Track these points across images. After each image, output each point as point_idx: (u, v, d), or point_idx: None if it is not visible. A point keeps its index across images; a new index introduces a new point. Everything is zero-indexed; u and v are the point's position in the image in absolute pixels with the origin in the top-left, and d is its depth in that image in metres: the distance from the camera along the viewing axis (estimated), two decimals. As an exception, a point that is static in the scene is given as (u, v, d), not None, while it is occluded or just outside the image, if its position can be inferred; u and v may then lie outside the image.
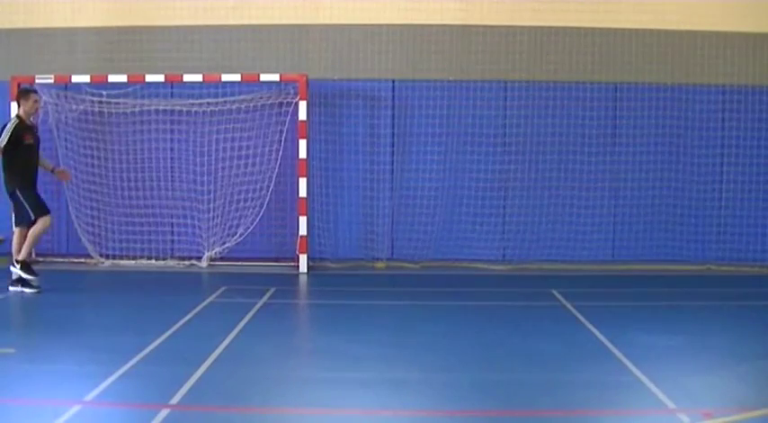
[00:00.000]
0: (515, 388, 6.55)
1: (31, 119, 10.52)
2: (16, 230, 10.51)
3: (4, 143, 10.01)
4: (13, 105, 11.85)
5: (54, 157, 12.51)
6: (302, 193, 11.85)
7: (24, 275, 10.14)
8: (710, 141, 12.43)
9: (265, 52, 12.44)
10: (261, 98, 12.20)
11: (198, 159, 12.42)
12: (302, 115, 11.78)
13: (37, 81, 12.02)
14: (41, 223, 10.16)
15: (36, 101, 10.49)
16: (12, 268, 10.30)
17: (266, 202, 12.29)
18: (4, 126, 10.21)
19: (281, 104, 12.23)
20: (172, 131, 12.50)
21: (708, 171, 12.47)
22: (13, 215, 10.74)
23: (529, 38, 12.35)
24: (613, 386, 6.57)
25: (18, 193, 10.18)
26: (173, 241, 12.58)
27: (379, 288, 11.10)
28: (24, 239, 10.25)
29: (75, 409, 5.84)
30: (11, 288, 10.21)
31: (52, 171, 10.95)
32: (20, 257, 10.19)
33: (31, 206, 10.15)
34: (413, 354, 7.56)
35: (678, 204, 12.52)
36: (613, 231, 12.62)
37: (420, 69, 12.43)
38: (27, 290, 10.14)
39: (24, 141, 10.21)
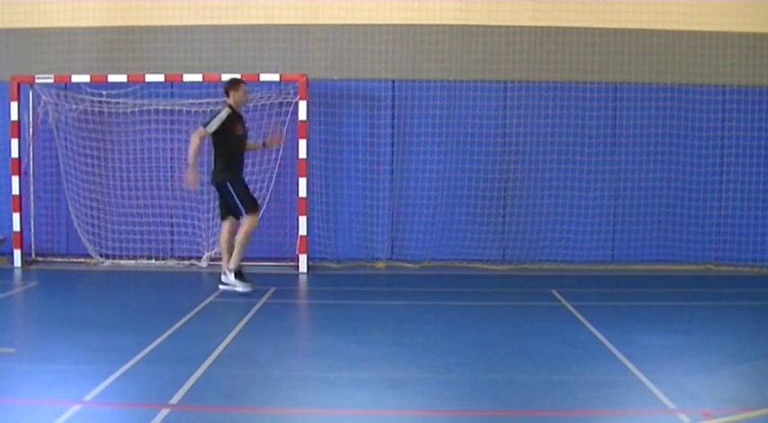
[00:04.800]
0: (515, 388, 6.56)
1: (241, 108, 10.34)
2: (224, 224, 10.25)
3: (213, 130, 9.82)
4: (13, 105, 11.93)
5: (54, 157, 12.55)
6: (302, 193, 11.85)
7: (239, 287, 9.95)
8: (710, 141, 12.44)
9: (265, 52, 12.45)
10: (261, 98, 12.20)
11: (198, 159, 12.38)
12: (302, 115, 11.78)
13: (37, 81, 12.03)
14: (249, 223, 9.94)
15: (246, 91, 10.33)
16: (223, 277, 10.12)
17: (266, 202, 12.29)
18: (216, 114, 10.04)
19: (281, 104, 12.24)
20: (172, 131, 12.50)
21: (708, 171, 12.47)
22: (218, 208, 10.50)
23: (529, 38, 12.35)
24: (613, 386, 6.57)
25: (229, 185, 9.96)
26: (172, 241, 12.58)
27: (379, 288, 11.11)
28: (233, 232, 10.04)
29: (75, 409, 5.85)
30: (220, 287, 10.08)
31: (264, 145, 10.76)
32: (231, 266, 9.99)
33: (243, 200, 9.95)
34: (412, 354, 7.56)
35: (678, 204, 12.52)
36: (613, 231, 12.63)
37: (420, 69, 12.43)
38: (239, 289, 9.98)
39: (236, 133, 10.05)
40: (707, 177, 12.48)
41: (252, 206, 10.02)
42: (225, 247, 10.22)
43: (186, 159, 10.45)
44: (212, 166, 10.27)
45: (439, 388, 6.56)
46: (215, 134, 9.91)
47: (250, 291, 10.02)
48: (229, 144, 10.03)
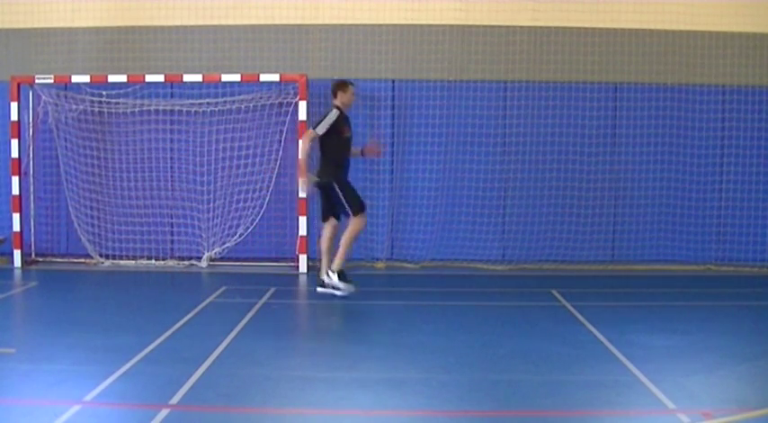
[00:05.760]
0: (515, 388, 6.56)
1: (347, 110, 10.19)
2: (326, 226, 10.12)
3: (323, 132, 9.71)
4: (13, 105, 11.94)
5: (54, 158, 12.55)
6: (302, 193, 11.83)
7: (339, 290, 9.81)
8: (710, 141, 12.43)
9: (265, 52, 12.44)
10: (261, 98, 12.20)
11: (198, 159, 12.43)
12: (302, 115, 11.78)
13: (37, 81, 12.03)
14: (357, 224, 9.82)
15: (353, 92, 10.20)
16: (325, 278, 9.95)
17: (266, 202, 12.30)
18: (325, 115, 9.91)
19: (281, 104, 12.24)
20: (172, 131, 12.51)
21: (708, 171, 12.47)
22: (321, 209, 10.28)
23: (529, 38, 12.35)
24: (613, 386, 6.57)
25: (336, 186, 9.83)
26: (172, 241, 12.58)
27: (379, 288, 11.10)
28: (334, 234, 9.93)
29: (75, 409, 5.85)
30: (319, 290, 9.97)
31: (362, 153, 10.63)
32: (335, 267, 9.83)
33: (350, 201, 9.82)
34: (412, 354, 7.56)
35: (678, 204, 12.52)
36: (613, 231, 12.62)
37: (420, 69, 12.43)
38: (338, 292, 9.86)
39: (344, 134, 9.94)
40: (707, 177, 12.48)
41: (360, 207, 9.86)
42: (326, 249, 10.04)
43: (298, 162, 10.25)
44: (318, 167, 10.08)
45: (439, 388, 6.56)
46: (323, 136, 9.76)
47: (352, 292, 9.87)
48: (337, 146, 9.89)
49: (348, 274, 10.01)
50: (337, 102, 10.06)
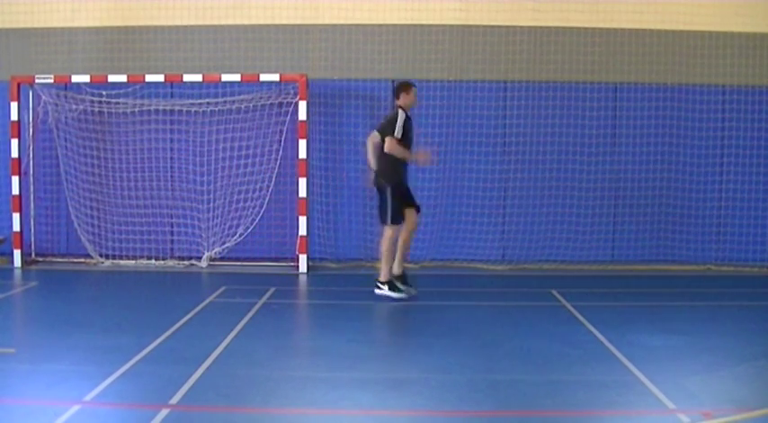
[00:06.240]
0: (515, 388, 6.56)
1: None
2: (387, 229, 9.82)
3: (400, 136, 9.59)
4: (13, 105, 11.92)
5: (54, 158, 12.55)
6: (302, 193, 11.84)
7: (393, 294, 9.76)
8: (710, 141, 12.44)
9: (265, 52, 12.44)
10: (261, 98, 12.21)
11: (198, 159, 12.43)
12: (302, 115, 11.78)
13: (37, 81, 12.03)
14: (390, 232, 9.68)
15: (416, 94, 10.02)
16: (377, 283, 9.89)
17: (266, 202, 12.30)
18: (393, 119, 9.73)
19: (280, 104, 12.24)
20: (172, 131, 12.51)
21: (708, 171, 12.47)
22: (379, 212, 10.01)
23: (529, 38, 12.35)
24: (613, 386, 6.57)
25: (389, 191, 9.68)
26: (172, 241, 12.58)
27: (379, 288, 11.08)
28: (397, 238, 9.81)
29: (75, 409, 5.85)
30: (377, 292, 9.89)
31: (416, 161, 10.43)
32: (382, 278, 9.81)
33: (393, 211, 9.68)
34: (412, 354, 7.56)
35: (678, 204, 12.52)
36: (613, 231, 12.63)
37: (420, 69, 12.42)
38: (394, 295, 9.79)
39: (408, 136, 9.83)
40: (707, 177, 12.48)
41: (397, 220, 9.73)
42: (388, 256, 9.84)
43: (366, 162, 10.27)
44: (378, 168, 9.86)
45: (439, 388, 6.56)
46: (386, 137, 9.61)
47: (412, 294, 9.82)
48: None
49: (399, 279, 9.88)
50: (400, 103, 9.87)
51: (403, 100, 9.90)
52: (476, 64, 12.40)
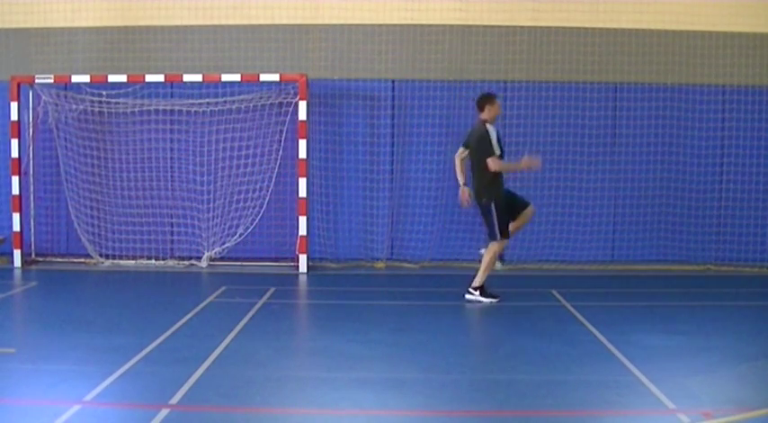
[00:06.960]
0: (515, 388, 6.56)
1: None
2: (493, 243, 9.72)
3: (499, 152, 9.53)
4: (13, 105, 11.92)
5: (54, 157, 12.55)
6: (302, 193, 11.84)
7: (483, 299, 9.72)
8: (710, 141, 12.43)
9: (265, 52, 12.44)
10: (261, 98, 12.20)
11: (198, 159, 12.43)
12: (302, 115, 11.78)
13: (37, 81, 12.03)
14: (498, 247, 9.68)
15: (500, 105, 9.95)
16: (469, 288, 9.82)
17: (266, 202, 12.30)
18: (482, 136, 9.57)
19: (280, 104, 12.24)
20: (172, 131, 12.51)
21: (708, 171, 12.47)
22: (486, 228, 9.88)
23: (529, 38, 12.35)
24: (613, 386, 6.57)
25: (493, 207, 9.58)
26: (172, 241, 12.58)
27: (379, 288, 11.10)
28: (502, 251, 9.80)
29: (75, 409, 5.85)
30: (467, 296, 9.84)
31: (523, 170, 10.42)
32: (476, 284, 9.77)
33: (500, 225, 9.60)
34: (412, 354, 7.56)
35: (678, 204, 12.52)
36: (613, 231, 12.63)
37: (420, 69, 12.43)
38: (484, 299, 9.75)
39: (502, 148, 9.76)
40: (707, 177, 12.48)
41: (506, 234, 9.70)
42: (489, 262, 9.82)
43: (454, 177, 10.30)
44: (476, 184, 9.77)
45: (439, 388, 6.56)
46: (481, 152, 9.54)
47: (496, 300, 9.80)
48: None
49: (491, 288, 9.90)
50: (485, 115, 9.70)
51: (488, 113, 9.71)
52: (476, 64, 12.40)
